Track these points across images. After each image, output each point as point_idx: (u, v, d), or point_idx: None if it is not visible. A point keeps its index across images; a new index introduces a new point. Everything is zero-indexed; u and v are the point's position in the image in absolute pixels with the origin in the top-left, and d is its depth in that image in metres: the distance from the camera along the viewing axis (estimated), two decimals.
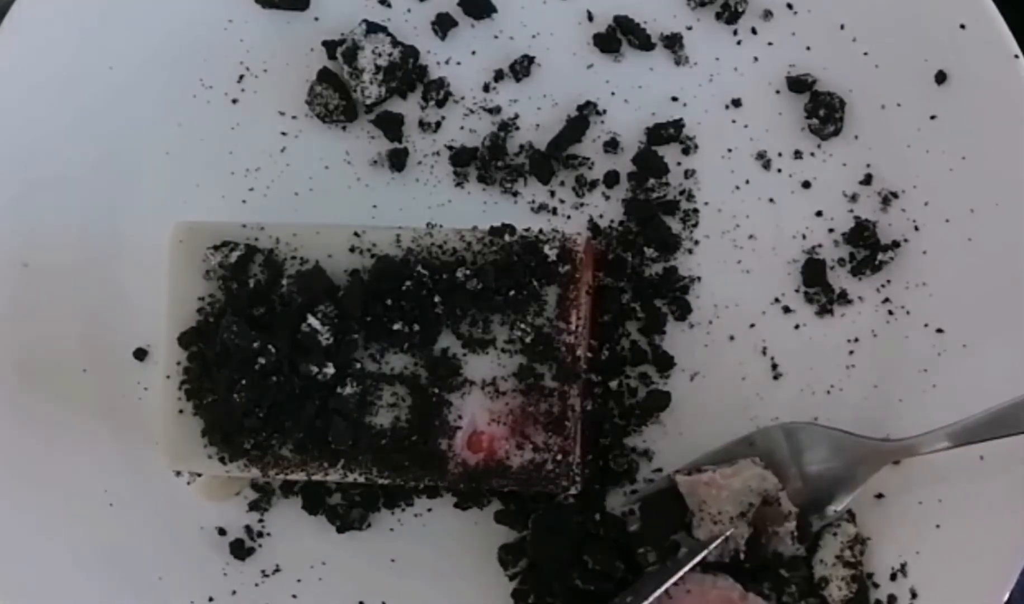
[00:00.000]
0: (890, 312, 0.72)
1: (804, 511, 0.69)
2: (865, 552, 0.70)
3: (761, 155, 0.74)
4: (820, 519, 0.70)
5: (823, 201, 0.73)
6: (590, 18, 0.75)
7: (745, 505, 0.68)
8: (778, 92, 0.74)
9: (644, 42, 0.74)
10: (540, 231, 0.67)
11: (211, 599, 0.74)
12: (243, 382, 0.64)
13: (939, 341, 0.72)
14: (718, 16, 0.74)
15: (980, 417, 0.67)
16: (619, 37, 0.74)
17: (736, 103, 0.74)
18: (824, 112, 0.73)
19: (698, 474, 0.69)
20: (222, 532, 0.74)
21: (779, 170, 0.74)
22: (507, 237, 0.66)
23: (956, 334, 0.71)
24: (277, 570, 0.74)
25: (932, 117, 0.72)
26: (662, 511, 0.70)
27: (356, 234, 0.67)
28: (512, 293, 0.65)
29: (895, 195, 0.73)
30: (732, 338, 0.73)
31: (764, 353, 0.73)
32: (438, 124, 0.75)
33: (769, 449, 0.70)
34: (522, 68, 0.75)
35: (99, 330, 0.75)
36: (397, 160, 0.75)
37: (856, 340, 0.72)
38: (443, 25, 0.75)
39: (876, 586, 0.71)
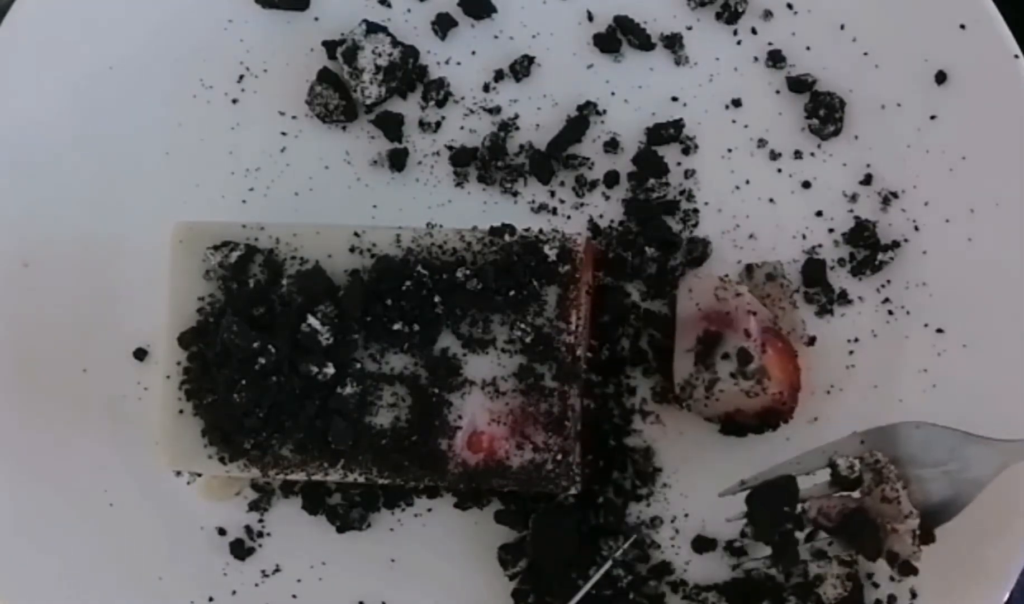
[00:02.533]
0: (890, 312, 0.72)
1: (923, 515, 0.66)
2: None
3: (761, 155, 0.74)
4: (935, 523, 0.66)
5: (823, 201, 0.73)
6: (590, 18, 0.75)
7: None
8: (778, 92, 0.74)
9: (644, 42, 0.74)
10: (540, 231, 0.67)
11: (211, 599, 0.74)
12: (243, 382, 0.64)
13: (939, 341, 0.72)
14: (718, 16, 0.74)
15: None
16: (619, 37, 0.74)
17: (736, 103, 0.74)
18: (824, 112, 0.73)
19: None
20: (222, 532, 0.74)
21: (779, 170, 0.74)
22: (507, 237, 0.66)
23: (956, 334, 0.71)
24: (277, 570, 0.74)
25: (932, 117, 0.72)
26: (772, 503, 0.66)
27: (356, 234, 0.67)
28: (512, 293, 0.65)
29: (895, 195, 0.73)
30: None
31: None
32: (438, 124, 0.75)
33: (883, 449, 0.67)
34: (522, 68, 0.75)
35: (99, 330, 0.75)
36: (397, 160, 0.75)
37: (856, 340, 0.72)
38: (443, 25, 0.75)
39: (876, 586, 0.71)
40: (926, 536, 0.65)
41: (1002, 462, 0.65)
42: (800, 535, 0.66)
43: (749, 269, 0.72)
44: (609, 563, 0.68)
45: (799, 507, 0.65)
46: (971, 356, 0.71)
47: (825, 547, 0.67)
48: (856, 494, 0.65)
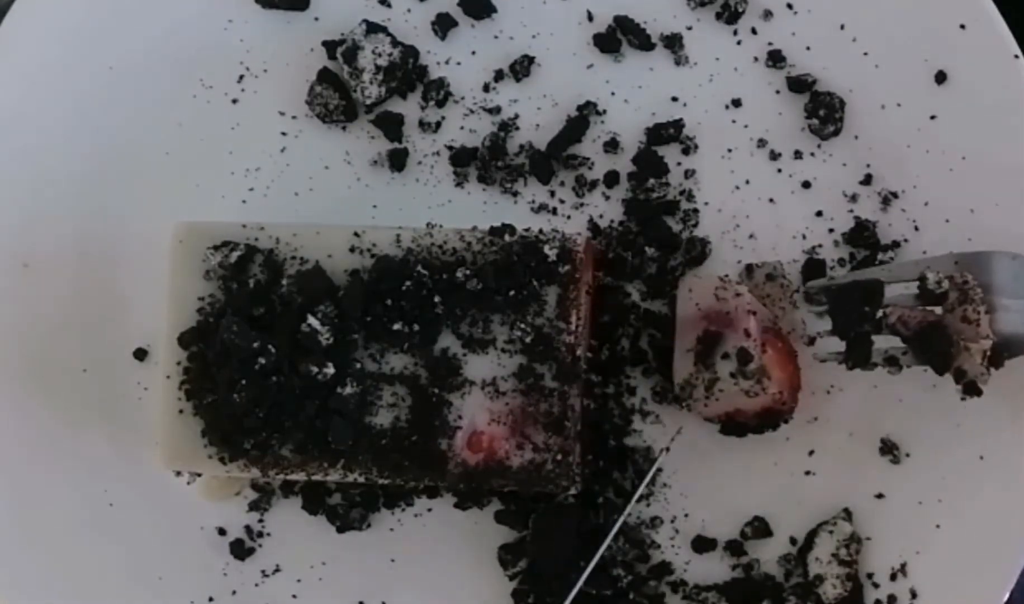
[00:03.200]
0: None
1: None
2: (861, 551, 0.71)
3: (761, 155, 0.74)
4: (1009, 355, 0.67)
5: (823, 201, 0.73)
6: (590, 18, 0.75)
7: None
8: (778, 92, 0.74)
9: (644, 42, 0.74)
10: (540, 231, 0.67)
11: (211, 599, 0.74)
12: (243, 382, 0.64)
13: None
14: (718, 16, 0.74)
15: None
16: (619, 37, 0.74)
17: (736, 103, 0.74)
18: (824, 112, 0.73)
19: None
20: (222, 532, 0.74)
21: (779, 170, 0.74)
22: (507, 237, 0.66)
23: None
24: (277, 570, 0.74)
25: (932, 117, 0.72)
26: (854, 300, 0.67)
27: (356, 234, 0.67)
28: (512, 293, 0.65)
29: (895, 195, 0.73)
30: None
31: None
32: (438, 124, 0.75)
33: (975, 273, 0.67)
34: (522, 68, 0.75)
35: (99, 330, 0.75)
36: (397, 160, 0.75)
37: None
38: (443, 25, 0.75)
39: (876, 586, 0.71)
40: (996, 359, 0.65)
41: None
42: (877, 339, 0.67)
43: (749, 269, 0.72)
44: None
45: (880, 311, 0.66)
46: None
47: (899, 355, 0.67)
48: (939, 310, 0.66)
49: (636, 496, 0.70)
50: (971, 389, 0.66)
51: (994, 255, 0.67)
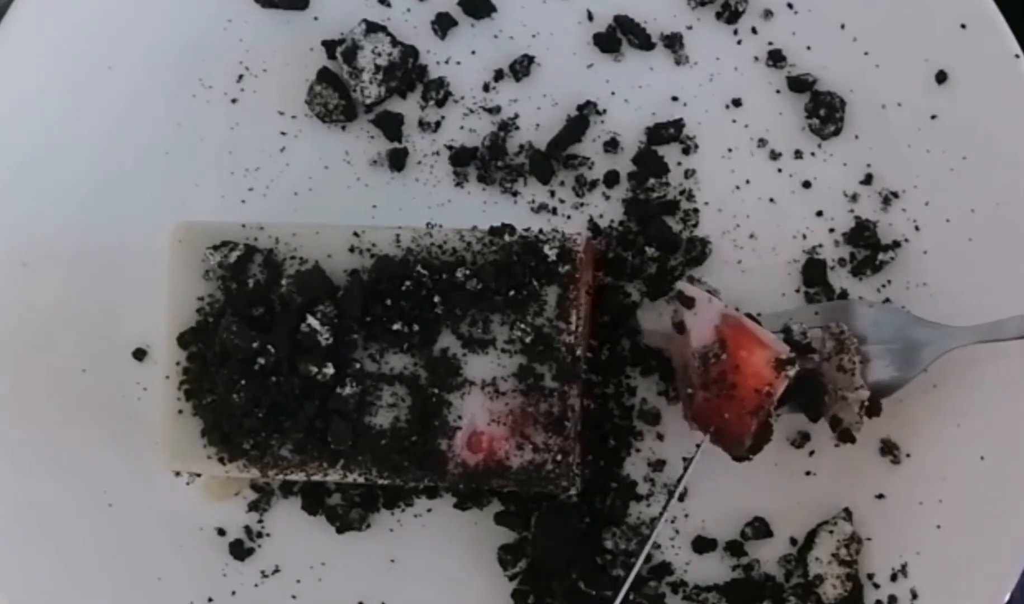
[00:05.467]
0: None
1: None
2: (861, 551, 0.71)
3: (761, 155, 0.74)
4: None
5: (823, 201, 0.73)
6: (590, 18, 0.75)
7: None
8: (778, 92, 0.74)
9: (644, 42, 0.74)
10: (540, 231, 0.67)
11: (211, 599, 0.74)
12: (243, 382, 0.64)
13: None
14: (718, 16, 0.74)
15: None
16: (619, 37, 0.74)
17: (736, 103, 0.74)
18: (824, 112, 0.73)
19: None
20: (222, 532, 0.74)
21: (779, 170, 0.74)
22: (507, 237, 0.66)
23: None
24: (277, 570, 0.74)
25: (932, 117, 0.72)
26: None
27: (356, 234, 0.67)
28: (512, 293, 0.65)
29: (895, 195, 0.73)
30: None
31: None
32: (438, 124, 0.75)
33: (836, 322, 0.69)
34: (522, 68, 0.75)
35: (99, 330, 0.75)
36: (397, 160, 0.75)
37: None
38: (443, 25, 0.75)
39: (877, 586, 0.71)
40: (873, 408, 0.67)
41: (945, 346, 0.68)
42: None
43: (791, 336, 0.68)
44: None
45: None
46: (971, 356, 0.71)
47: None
48: (815, 358, 0.67)
49: (664, 511, 0.69)
50: (845, 436, 0.68)
51: (852, 304, 0.71)
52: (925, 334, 0.69)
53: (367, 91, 0.74)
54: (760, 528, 0.72)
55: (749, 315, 0.68)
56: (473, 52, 0.75)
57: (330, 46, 0.75)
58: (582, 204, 0.74)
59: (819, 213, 0.73)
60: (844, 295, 0.72)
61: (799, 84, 0.73)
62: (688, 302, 0.66)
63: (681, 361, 0.69)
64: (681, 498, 0.72)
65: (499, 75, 0.75)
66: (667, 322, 0.68)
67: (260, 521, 0.74)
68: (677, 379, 0.71)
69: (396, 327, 0.65)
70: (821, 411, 0.67)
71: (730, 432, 0.65)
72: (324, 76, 0.75)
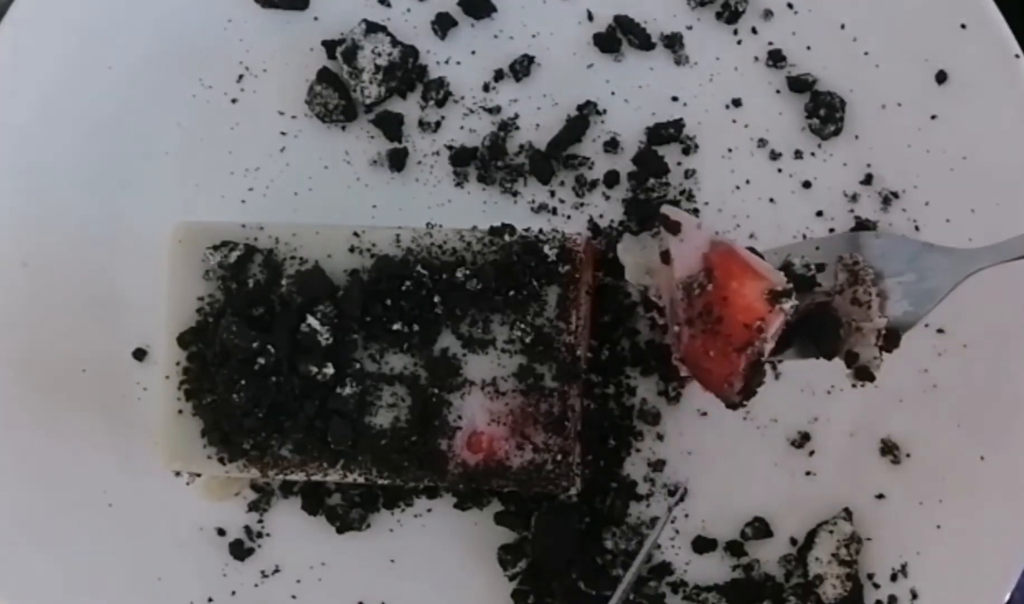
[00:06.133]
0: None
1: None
2: (860, 551, 0.71)
3: (761, 155, 0.74)
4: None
5: (823, 201, 0.73)
6: (590, 18, 0.75)
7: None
8: (778, 92, 0.74)
9: (644, 42, 0.74)
10: (540, 231, 0.67)
11: (210, 599, 0.74)
12: (242, 382, 0.64)
13: (939, 341, 0.72)
14: (718, 16, 0.74)
15: None
16: (619, 37, 0.74)
17: (736, 103, 0.74)
18: (824, 112, 0.73)
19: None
20: (222, 532, 0.74)
21: (779, 170, 0.74)
22: (507, 237, 0.66)
23: (956, 334, 0.71)
24: (277, 570, 0.74)
25: (932, 117, 0.72)
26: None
27: (356, 234, 0.67)
28: (512, 293, 0.65)
29: (895, 195, 0.73)
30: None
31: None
32: (438, 124, 0.75)
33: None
34: (522, 68, 0.75)
35: (99, 330, 0.75)
36: (397, 160, 0.75)
37: None
38: (443, 25, 0.75)
39: (877, 586, 0.71)
40: (891, 340, 0.62)
41: (960, 271, 0.63)
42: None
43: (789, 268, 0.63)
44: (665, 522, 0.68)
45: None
46: (971, 356, 0.71)
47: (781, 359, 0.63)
48: (827, 292, 0.62)
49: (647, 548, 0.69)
50: (863, 374, 0.62)
51: (859, 235, 0.66)
52: (940, 261, 0.64)
53: (367, 91, 0.74)
54: (760, 528, 0.72)
55: (749, 249, 0.63)
56: (473, 52, 0.75)
57: (330, 46, 0.75)
58: (582, 204, 0.74)
59: (819, 213, 0.73)
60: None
61: (799, 84, 0.73)
62: (673, 227, 0.61)
63: (668, 297, 0.64)
64: (681, 498, 0.72)
65: (499, 75, 0.75)
66: (652, 256, 0.63)
67: (260, 521, 0.74)
68: (666, 318, 0.65)
69: (396, 327, 0.65)
70: (836, 347, 0.61)
71: (717, 373, 0.60)
72: (324, 76, 0.75)
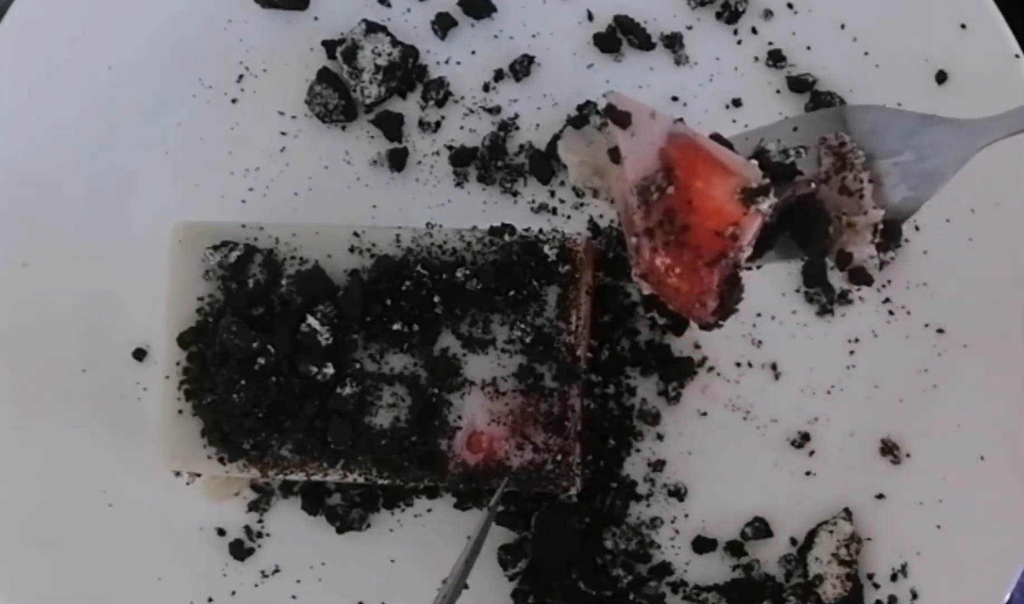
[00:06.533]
0: (890, 312, 0.72)
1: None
2: (860, 551, 0.71)
3: None
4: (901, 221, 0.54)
5: None
6: (590, 18, 0.75)
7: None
8: (778, 92, 0.74)
9: (644, 42, 0.74)
10: (540, 231, 0.67)
11: (210, 599, 0.74)
12: (242, 382, 0.64)
13: (939, 341, 0.72)
14: (718, 16, 0.74)
15: None
16: (619, 37, 0.74)
17: (736, 103, 0.74)
18: None
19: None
20: (222, 532, 0.74)
21: None
22: (507, 237, 0.66)
23: (956, 334, 0.71)
24: (277, 570, 0.74)
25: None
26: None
27: (356, 234, 0.67)
28: (512, 293, 0.65)
29: None
30: (731, 338, 0.73)
31: (764, 353, 0.72)
32: (438, 124, 0.75)
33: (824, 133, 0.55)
34: (522, 68, 0.75)
35: (99, 330, 0.75)
36: (397, 160, 0.75)
37: (856, 340, 0.72)
38: (443, 25, 0.75)
39: (877, 587, 0.71)
40: (891, 234, 0.53)
41: (967, 145, 0.54)
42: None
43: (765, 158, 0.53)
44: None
45: None
46: (971, 356, 0.71)
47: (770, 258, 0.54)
48: (810, 182, 0.53)
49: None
50: (859, 277, 0.54)
51: (845, 110, 0.56)
52: (943, 135, 0.54)
53: (367, 91, 0.74)
54: (760, 528, 0.72)
55: (713, 136, 0.53)
56: (473, 52, 0.75)
57: (330, 46, 0.75)
58: (582, 204, 0.74)
59: None
60: (844, 295, 0.72)
61: (799, 84, 0.73)
62: (621, 119, 0.51)
63: (623, 202, 0.53)
64: (681, 498, 0.72)
65: (499, 75, 0.75)
66: (600, 153, 0.54)
67: (260, 521, 0.74)
68: (623, 227, 0.55)
69: (396, 327, 0.65)
70: (825, 246, 0.53)
71: (686, 291, 0.51)
72: (324, 76, 0.75)
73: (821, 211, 0.53)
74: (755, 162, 0.52)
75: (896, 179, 0.54)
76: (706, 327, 0.52)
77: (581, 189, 0.57)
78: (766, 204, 0.50)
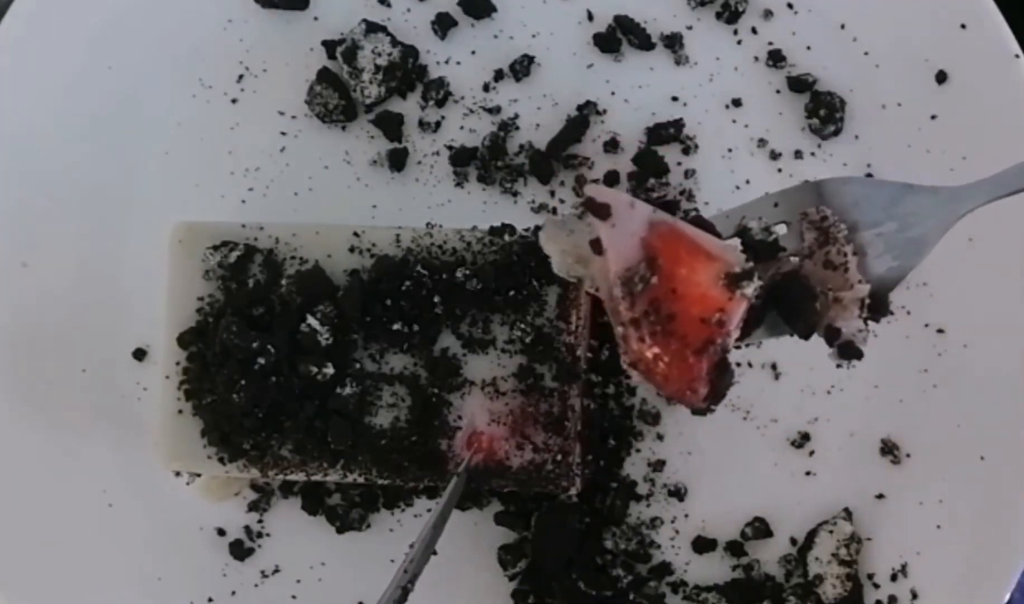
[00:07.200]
0: (891, 312, 0.72)
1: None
2: (860, 551, 0.71)
3: (761, 155, 0.74)
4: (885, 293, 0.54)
5: None
6: (590, 18, 0.75)
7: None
8: (778, 92, 0.74)
9: (644, 42, 0.74)
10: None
11: (210, 599, 0.74)
12: (242, 382, 0.64)
13: (939, 341, 0.72)
14: (718, 16, 0.74)
15: None
16: (619, 37, 0.74)
17: (736, 103, 0.74)
18: (824, 112, 0.73)
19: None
20: (222, 532, 0.74)
21: (779, 170, 0.74)
22: (507, 237, 0.66)
23: (956, 334, 0.71)
24: (277, 570, 0.74)
25: (932, 117, 0.72)
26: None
27: (356, 234, 0.67)
28: (512, 293, 0.65)
29: None
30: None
31: (764, 353, 0.72)
32: (438, 124, 0.75)
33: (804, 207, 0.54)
34: (522, 68, 0.75)
35: (98, 330, 0.75)
36: (397, 160, 0.75)
37: None
38: (443, 25, 0.75)
39: (877, 586, 0.71)
40: (878, 306, 0.52)
41: (949, 212, 0.54)
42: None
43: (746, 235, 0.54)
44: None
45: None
46: (971, 356, 0.71)
47: (756, 339, 0.53)
48: (793, 258, 0.52)
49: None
50: (849, 351, 0.52)
51: (824, 184, 0.55)
52: (924, 203, 0.54)
53: (367, 91, 0.74)
54: (760, 528, 0.72)
55: (694, 219, 0.52)
56: (473, 52, 0.75)
57: (330, 46, 0.75)
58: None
59: None
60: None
61: (799, 84, 0.73)
62: (601, 211, 0.50)
63: (607, 292, 0.53)
64: (681, 498, 0.72)
65: (499, 75, 0.75)
66: (582, 242, 0.53)
67: (260, 521, 0.74)
68: (610, 317, 0.54)
69: (396, 327, 0.65)
70: (812, 323, 0.52)
71: (676, 379, 0.50)
72: (324, 76, 0.75)
73: (807, 287, 0.52)
74: (738, 243, 0.51)
75: (880, 249, 0.54)
76: (699, 413, 0.52)
77: (565, 278, 0.57)
78: (751, 288, 0.49)
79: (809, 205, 0.54)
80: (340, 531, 0.73)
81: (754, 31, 0.74)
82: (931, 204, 0.54)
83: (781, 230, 0.53)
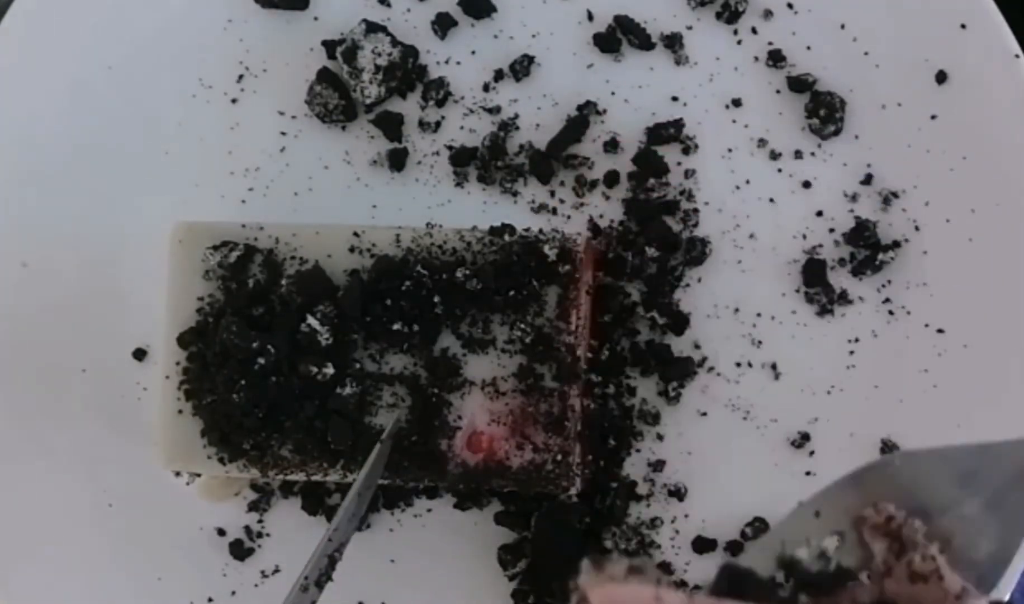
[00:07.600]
0: (890, 312, 0.72)
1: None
2: None
3: (761, 155, 0.74)
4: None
5: (823, 201, 0.73)
6: (590, 18, 0.75)
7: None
8: (778, 92, 0.74)
9: (644, 42, 0.74)
10: (540, 231, 0.67)
11: (210, 599, 0.74)
12: (242, 382, 0.64)
13: (939, 341, 0.72)
14: (718, 16, 0.74)
15: None
16: (619, 37, 0.74)
17: (736, 103, 0.74)
18: (824, 112, 0.73)
19: None
20: (221, 532, 0.74)
21: (779, 170, 0.74)
22: (507, 237, 0.66)
23: (956, 334, 0.71)
24: (277, 570, 0.74)
25: (932, 117, 0.72)
26: None
27: (356, 234, 0.67)
28: (512, 293, 0.65)
29: (895, 195, 0.73)
30: (731, 338, 0.73)
31: (764, 353, 0.72)
32: (438, 124, 0.75)
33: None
34: (522, 68, 0.75)
35: (98, 330, 0.75)
36: (397, 160, 0.75)
37: (856, 340, 0.72)
38: (443, 25, 0.75)
39: None
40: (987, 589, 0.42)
41: None
42: None
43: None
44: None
45: None
46: (971, 356, 0.71)
47: None
48: (865, 579, 0.42)
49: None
50: None
51: (873, 468, 0.43)
52: (1006, 464, 0.42)
53: (367, 91, 0.74)
54: (760, 528, 0.72)
55: (726, 571, 0.42)
56: (473, 52, 0.75)
57: (330, 46, 0.75)
58: (582, 204, 0.74)
59: (819, 213, 0.73)
60: (844, 295, 0.72)
61: (799, 84, 0.73)
62: None
63: None
64: (681, 498, 0.72)
65: (499, 75, 0.75)
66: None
67: (260, 521, 0.74)
68: None
69: (396, 327, 0.65)
70: None
71: None
72: (324, 76, 0.75)
73: None
74: (782, 571, 0.40)
75: (967, 535, 0.42)
76: None
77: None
78: None
79: (857, 504, 0.43)
80: None
81: (754, 31, 0.74)
82: (1015, 459, 0.42)
83: (831, 544, 0.42)
